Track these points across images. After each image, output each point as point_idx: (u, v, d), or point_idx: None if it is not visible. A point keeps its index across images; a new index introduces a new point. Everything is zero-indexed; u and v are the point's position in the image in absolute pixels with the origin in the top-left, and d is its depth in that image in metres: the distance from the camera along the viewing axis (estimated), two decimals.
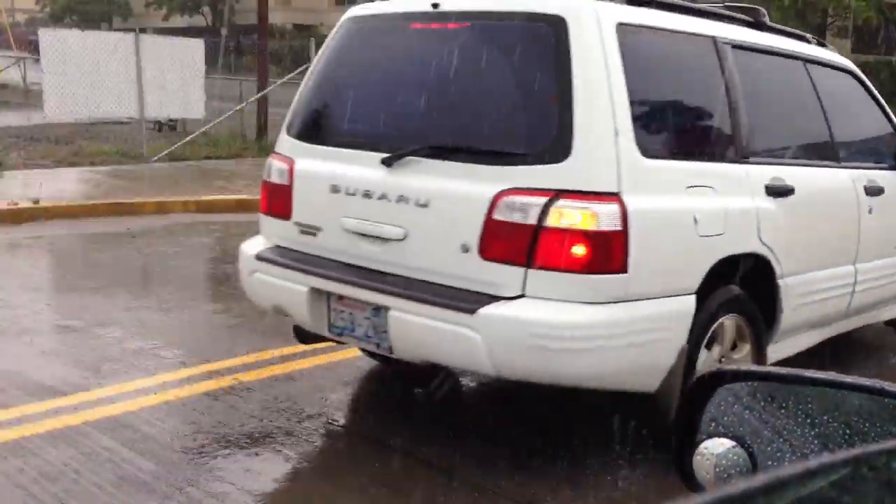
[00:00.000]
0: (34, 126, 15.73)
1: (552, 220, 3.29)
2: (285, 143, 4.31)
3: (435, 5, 3.83)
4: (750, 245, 3.88)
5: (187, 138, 14.24)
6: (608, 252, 3.28)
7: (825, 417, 1.23)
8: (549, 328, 3.29)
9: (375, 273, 3.75)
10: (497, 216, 3.40)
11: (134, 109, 13.54)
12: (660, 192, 3.50)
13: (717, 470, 1.24)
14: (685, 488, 1.29)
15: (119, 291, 6.61)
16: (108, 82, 13.18)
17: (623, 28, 3.52)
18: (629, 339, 3.40)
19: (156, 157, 13.12)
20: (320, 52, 4.39)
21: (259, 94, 15.20)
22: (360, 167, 3.84)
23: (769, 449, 1.24)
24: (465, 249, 3.46)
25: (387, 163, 3.72)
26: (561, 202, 3.29)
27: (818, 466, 0.91)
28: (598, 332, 3.33)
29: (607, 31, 3.45)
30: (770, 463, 1.23)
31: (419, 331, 3.53)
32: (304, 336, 4.32)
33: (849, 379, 1.23)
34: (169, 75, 13.79)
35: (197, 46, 14.65)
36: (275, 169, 4.26)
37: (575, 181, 3.32)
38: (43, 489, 3.51)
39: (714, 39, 4.03)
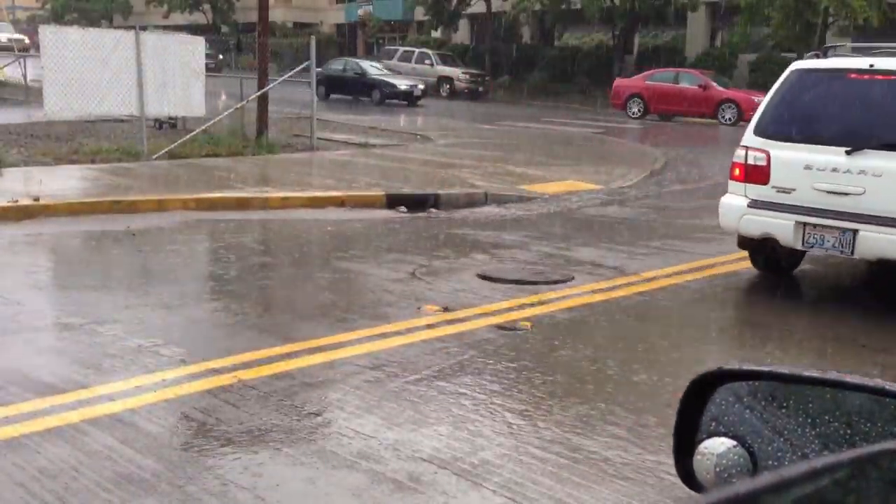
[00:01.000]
0: (34, 123, 15.75)
1: None
2: (755, 140, 6.87)
3: (871, 65, 6.50)
4: None
5: (187, 136, 14.21)
6: None
7: (826, 417, 1.23)
8: None
9: (839, 213, 6.38)
10: None
11: (134, 107, 13.49)
12: None
13: (718, 469, 1.23)
14: (686, 488, 1.29)
15: (119, 289, 6.61)
16: (108, 80, 13.10)
17: None
18: None
19: (156, 155, 13.10)
20: (778, 85, 6.91)
21: (259, 92, 15.16)
22: (828, 155, 6.43)
23: (770, 448, 1.24)
24: None
25: (849, 153, 6.31)
26: None
27: (822, 466, 0.91)
28: None
29: None
30: (771, 462, 1.23)
31: (883, 242, 6.25)
32: (743, 244, 7.26)
33: (849, 378, 1.23)
34: (169, 73, 13.75)
35: (197, 44, 14.60)
36: (751, 155, 6.86)
37: None
38: (42, 487, 3.51)
39: None
